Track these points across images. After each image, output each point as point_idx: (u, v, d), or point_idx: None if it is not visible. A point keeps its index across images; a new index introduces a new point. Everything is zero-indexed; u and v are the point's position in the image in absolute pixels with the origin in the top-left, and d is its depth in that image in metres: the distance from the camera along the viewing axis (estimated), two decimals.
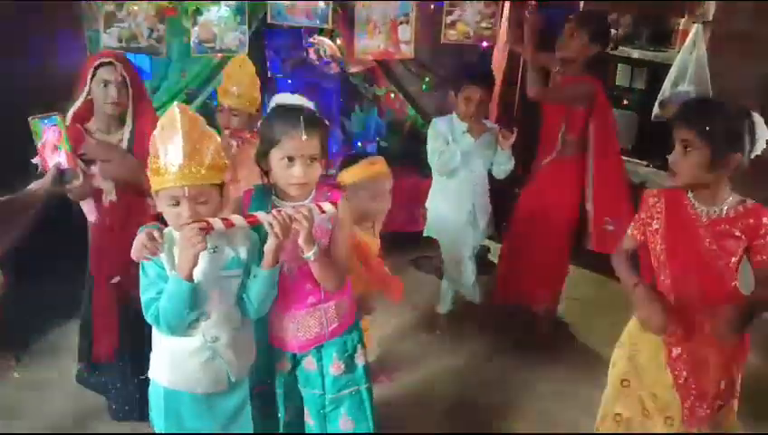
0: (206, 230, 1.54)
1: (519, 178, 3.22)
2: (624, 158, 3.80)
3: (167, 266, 1.62)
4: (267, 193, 1.80)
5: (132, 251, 1.62)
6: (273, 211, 1.61)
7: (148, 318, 1.65)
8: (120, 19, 3.23)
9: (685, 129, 1.77)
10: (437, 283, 3.37)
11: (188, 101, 3.45)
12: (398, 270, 3.75)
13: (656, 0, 3.93)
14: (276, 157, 1.72)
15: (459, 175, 2.97)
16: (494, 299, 3.32)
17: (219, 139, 1.68)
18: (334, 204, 1.68)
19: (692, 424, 1.91)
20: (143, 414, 1.93)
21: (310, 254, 1.68)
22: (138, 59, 3.24)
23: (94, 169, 2.21)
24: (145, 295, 1.65)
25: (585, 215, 3.07)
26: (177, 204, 1.58)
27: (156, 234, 1.60)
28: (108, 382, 2.48)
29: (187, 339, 1.68)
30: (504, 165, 2.95)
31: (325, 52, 4.06)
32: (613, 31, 3.53)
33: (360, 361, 1.97)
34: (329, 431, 1.97)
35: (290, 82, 4.23)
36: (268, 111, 1.84)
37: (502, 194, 3.27)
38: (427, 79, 3.90)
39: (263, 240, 1.67)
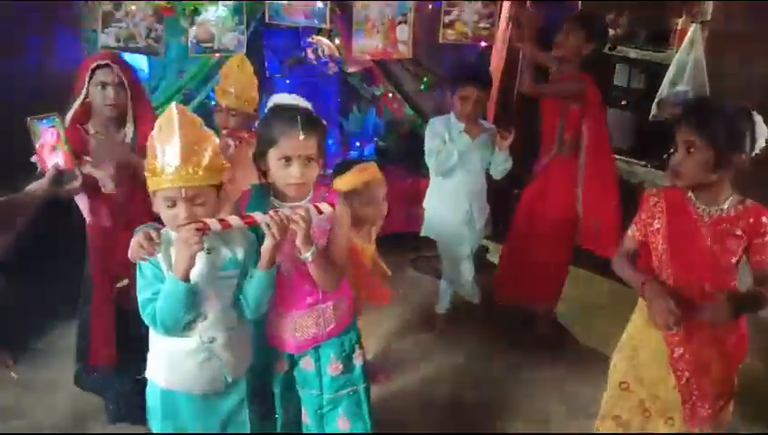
0: (203, 231, 1.54)
1: (517, 178, 3.22)
2: (622, 158, 3.81)
3: (163, 267, 1.62)
4: (265, 193, 1.80)
5: (129, 251, 1.62)
6: (271, 212, 1.61)
7: (145, 318, 1.65)
8: (118, 19, 3.24)
9: (688, 130, 1.77)
10: (436, 283, 3.37)
11: (186, 101, 3.46)
12: (397, 270, 3.75)
13: (654, 0, 3.94)
14: (274, 157, 1.72)
15: (456, 175, 2.97)
16: (497, 298, 3.32)
17: (217, 139, 1.68)
18: (332, 205, 1.68)
19: (694, 425, 1.91)
20: (141, 416, 1.93)
21: (307, 254, 1.68)
22: (135, 59, 3.25)
23: (94, 169, 2.20)
24: (142, 296, 1.65)
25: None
26: (175, 205, 1.58)
27: (153, 234, 1.60)
28: (105, 384, 2.47)
29: (183, 339, 1.68)
30: (501, 165, 2.95)
31: (323, 51, 4.06)
32: (611, 31, 3.53)
33: (357, 361, 1.97)
34: (326, 432, 1.97)
35: (288, 81, 4.22)
36: (266, 111, 1.84)
37: (500, 194, 3.27)
38: (425, 79, 3.90)
39: (260, 241, 1.67)
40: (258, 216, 1.60)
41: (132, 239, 1.61)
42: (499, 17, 3.65)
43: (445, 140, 2.92)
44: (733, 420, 1.98)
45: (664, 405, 1.95)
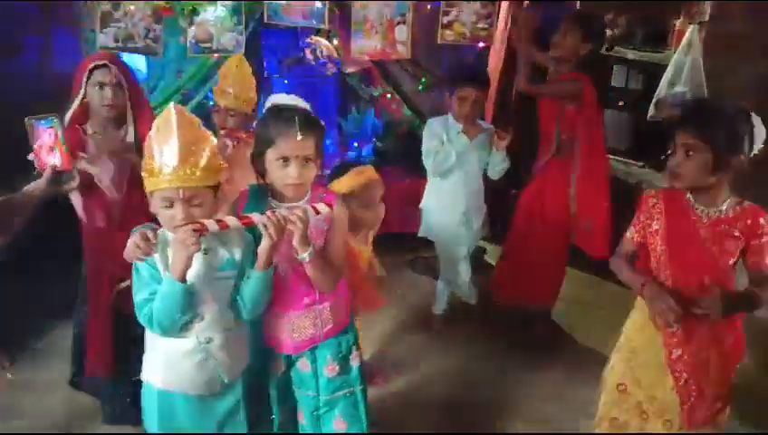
0: (201, 232, 1.54)
1: (514, 178, 3.22)
2: (619, 158, 3.81)
3: (160, 267, 1.61)
4: (263, 193, 1.80)
5: (125, 252, 1.62)
6: (268, 212, 1.61)
7: (142, 319, 1.65)
8: (117, 19, 3.24)
9: (687, 133, 1.77)
10: (433, 283, 3.37)
11: (185, 101, 3.46)
12: (394, 271, 3.76)
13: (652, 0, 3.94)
14: (271, 157, 1.71)
15: (454, 175, 2.97)
16: (495, 298, 3.32)
17: (215, 140, 1.68)
18: (329, 205, 1.68)
19: (692, 426, 1.91)
20: (137, 418, 1.92)
21: (305, 255, 1.68)
22: (134, 59, 3.25)
23: (89, 165, 2.19)
24: (138, 296, 1.64)
25: None
26: (172, 205, 1.58)
27: (150, 234, 1.60)
28: (101, 386, 2.46)
29: (180, 340, 1.68)
30: (498, 166, 2.96)
31: (322, 52, 4.06)
32: (609, 31, 3.53)
33: (354, 362, 1.96)
34: (323, 433, 1.96)
35: (286, 82, 4.23)
36: (264, 111, 1.84)
37: (497, 195, 3.27)
38: (423, 79, 3.91)
39: (257, 241, 1.67)
40: (255, 216, 1.60)
41: (129, 239, 1.61)
42: (497, 18, 3.65)
43: (443, 140, 2.92)
44: (731, 422, 1.98)
45: (662, 407, 1.95)
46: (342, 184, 2.19)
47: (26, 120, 1.97)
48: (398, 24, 3.58)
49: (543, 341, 3.21)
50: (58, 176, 1.98)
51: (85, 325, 2.38)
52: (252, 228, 1.66)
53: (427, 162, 2.96)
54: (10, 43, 3.13)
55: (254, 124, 2.44)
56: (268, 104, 1.83)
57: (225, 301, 1.71)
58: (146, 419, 1.80)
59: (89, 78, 2.20)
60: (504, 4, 3.60)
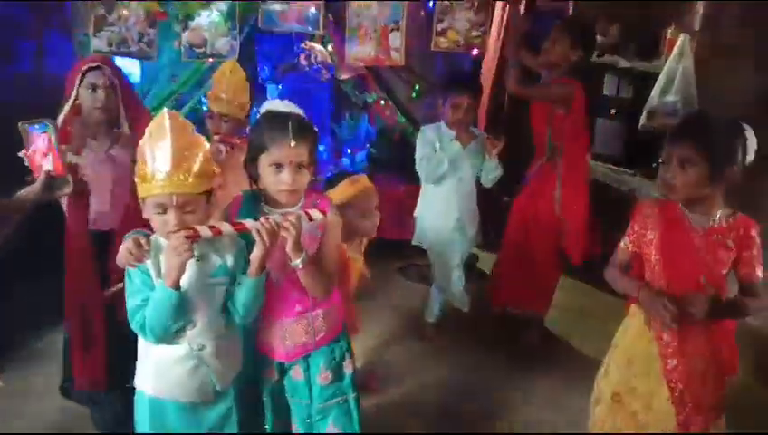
0: (194, 238, 1.53)
1: (507, 185, 3.23)
2: (611, 167, 3.83)
3: (153, 274, 1.60)
4: (256, 199, 1.79)
5: (118, 258, 1.61)
6: (261, 219, 1.60)
7: (134, 326, 1.63)
8: (111, 23, 3.23)
9: (682, 146, 1.78)
10: (426, 291, 3.37)
11: (179, 106, 3.45)
12: (387, 278, 3.76)
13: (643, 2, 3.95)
14: (265, 163, 1.71)
15: (447, 182, 2.97)
16: (493, 302, 3.32)
17: (208, 146, 1.67)
18: (323, 212, 1.68)
19: None
20: (128, 426, 1.90)
21: (297, 261, 1.67)
22: (128, 63, 3.24)
23: (75, 157, 2.16)
24: (130, 303, 1.63)
25: None
26: (164, 211, 1.56)
27: (142, 241, 1.59)
28: (92, 395, 2.42)
29: (172, 347, 1.67)
30: (491, 173, 2.96)
31: (316, 58, 4.06)
32: (600, 38, 3.55)
33: (347, 369, 1.96)
34: None
35: (280, 87, 4.23)
36: (257, 117, 1.83)
37: (489, 202, 3.28)
38: (417, 86, 3.91)
39: (249, 247, 1.66)
40: (249, 222, 1.59)
41: (121, 245, 1.60)
42: (491, 26, 3.67)
43: (436, 147, 2.93)
44: (726, 431, 1.99)
45: (657, 417, 1.94)
46: (337, 193, 2.19)
47: (20, 124, 1.96)
48: (392, 30, 3.59)
49: (537, 348, 3.22)
50: (52, 181, 1.97)
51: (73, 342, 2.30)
52: (244, 234, 1.65)
53: (421, 169, 2.97)
54: (4, 47, 3.11)
55: (248, 130, 2.44)
56: (262, 110, 1.82)
57: (217, 307, 1.69)
58: (138, 427, 1.78)
59: (81, 80, 2.19)
60: (498, 13, 3.61)
